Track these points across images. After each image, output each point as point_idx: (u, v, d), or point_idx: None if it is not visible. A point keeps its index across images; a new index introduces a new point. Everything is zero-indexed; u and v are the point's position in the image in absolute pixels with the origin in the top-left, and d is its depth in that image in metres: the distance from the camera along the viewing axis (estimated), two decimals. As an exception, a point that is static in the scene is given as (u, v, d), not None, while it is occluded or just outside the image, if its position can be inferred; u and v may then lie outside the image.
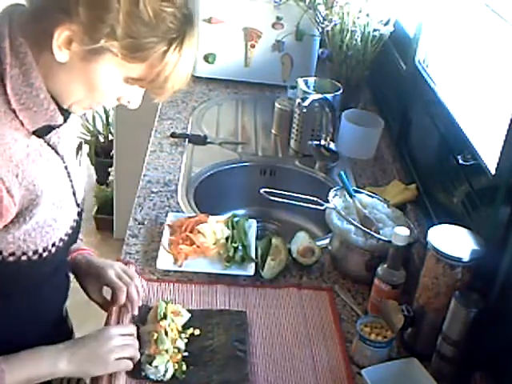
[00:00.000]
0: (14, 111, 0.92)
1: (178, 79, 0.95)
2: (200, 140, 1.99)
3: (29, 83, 0.91)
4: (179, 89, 0.98)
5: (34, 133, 0.96)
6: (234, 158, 1.93)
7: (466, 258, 1.13)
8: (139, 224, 1.57)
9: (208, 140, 2.00)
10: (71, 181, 1.07)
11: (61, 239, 1.04)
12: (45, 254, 1.00)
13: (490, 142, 1.23)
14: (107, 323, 1.23)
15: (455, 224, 1.22)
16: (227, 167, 1.89)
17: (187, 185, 1.76)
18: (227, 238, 1.50)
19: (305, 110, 1.86)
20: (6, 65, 0.90)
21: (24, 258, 0.97)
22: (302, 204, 1.55)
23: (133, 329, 1.17)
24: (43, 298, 1.09)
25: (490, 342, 1.12)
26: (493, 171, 1.19)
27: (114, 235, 3.09)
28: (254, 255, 1.46)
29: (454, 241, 1.16)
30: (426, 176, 1.66)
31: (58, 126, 1.00)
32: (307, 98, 1.81)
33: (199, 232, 1.49)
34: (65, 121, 1.00)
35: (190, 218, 1.55)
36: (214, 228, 1.51)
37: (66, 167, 1.06)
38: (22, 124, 0.93)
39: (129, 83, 0.95)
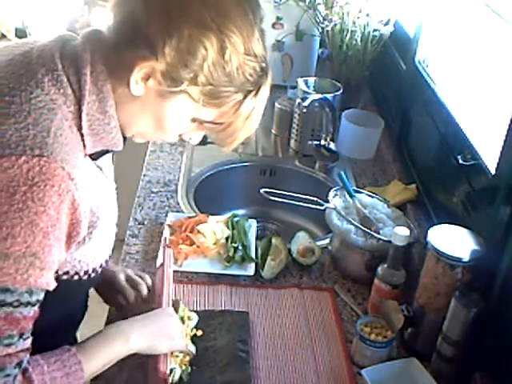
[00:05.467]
0: (81, 135, 0.91)
1: (247, 129, 0.96)
2: (200, 140, 1.98)
3: (103, 110, 0.91)
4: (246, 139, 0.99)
5: (90, 155, 0.96)
6: (233, 158, 1.93)
7: (465, 258, 1.13)
8: (139, 224, 1.57)
9: (208, 140, 2.00)
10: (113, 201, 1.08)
11: (106, 260, 1.04)
12: (92, 275, 1.00)
13: (490, 142, 1.23)
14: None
15: (455, 224, 1.22)
16: (227, 167, 1.90)
17: (187, 185, 1.76)
18: (227, 238, 1.50)
19: (305, 110, 1.86)
20: (85, 90, 0.89)
21: (76, 277, 0.97)
22: (302, 204, 1.56)
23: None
24: (67, 316, 1.07)
25: (490, 342, 1.12)
26: (493, 171, 1.19)
27: (114, 235, 3.09)
28: (254, 255, 1.46)
29: (454, 241, 1.16)
30: (425, 176, 1.66)
31: (113, 151, 1.01)
32: (307, 98, 1.81)
33: (199, 232, 1.49)
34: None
35: (190, 217, 1.55)
36: (214, 228, 1.51)
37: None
38: (84, 147, 0.93)
39: (196, 123, 0.96)
